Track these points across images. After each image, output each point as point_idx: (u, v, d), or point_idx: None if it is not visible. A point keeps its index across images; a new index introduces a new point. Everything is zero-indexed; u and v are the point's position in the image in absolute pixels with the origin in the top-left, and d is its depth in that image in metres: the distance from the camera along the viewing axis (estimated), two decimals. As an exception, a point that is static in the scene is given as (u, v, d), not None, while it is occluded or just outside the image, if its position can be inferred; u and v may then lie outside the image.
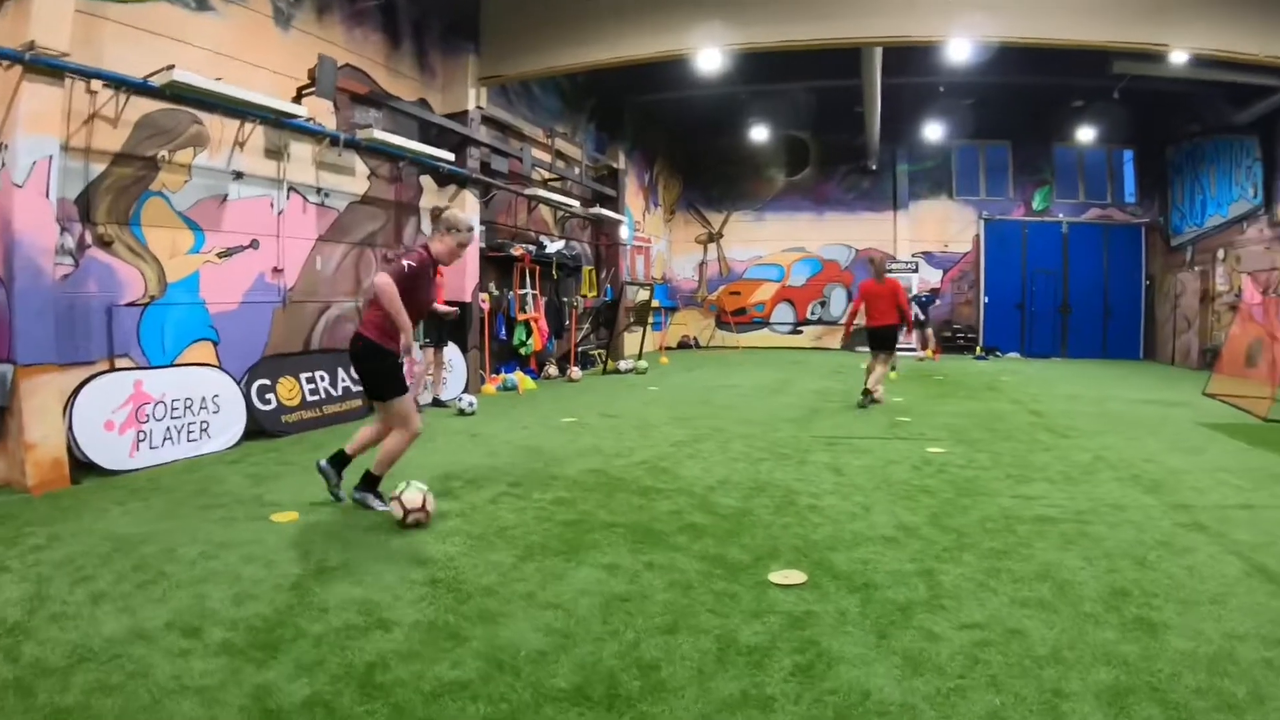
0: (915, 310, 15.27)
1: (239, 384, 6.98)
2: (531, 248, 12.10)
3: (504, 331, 11.65)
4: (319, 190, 8.21)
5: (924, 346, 17.84)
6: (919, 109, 17.25)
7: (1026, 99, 16.64)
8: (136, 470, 5.80)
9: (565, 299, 13.67)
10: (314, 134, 7.96)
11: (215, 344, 7.07)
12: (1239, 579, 3.62)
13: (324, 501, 4.90)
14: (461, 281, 10.07)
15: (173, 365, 6.60)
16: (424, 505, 4.40)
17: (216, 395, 6.66)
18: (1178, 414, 9.05)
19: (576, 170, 13.74)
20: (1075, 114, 16.98)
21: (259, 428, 7.04)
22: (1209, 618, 3.18)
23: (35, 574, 3.58)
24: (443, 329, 8.97)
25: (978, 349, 18.52)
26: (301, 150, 7.96)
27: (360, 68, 8.80)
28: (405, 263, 4.60)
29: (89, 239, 5.97)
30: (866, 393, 9.47)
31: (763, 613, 3.26)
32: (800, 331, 20.53)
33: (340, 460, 4.90)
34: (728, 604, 3.36)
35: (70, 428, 5.51)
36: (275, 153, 7.61)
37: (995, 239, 18.91)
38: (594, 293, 14.94)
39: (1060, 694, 2.56)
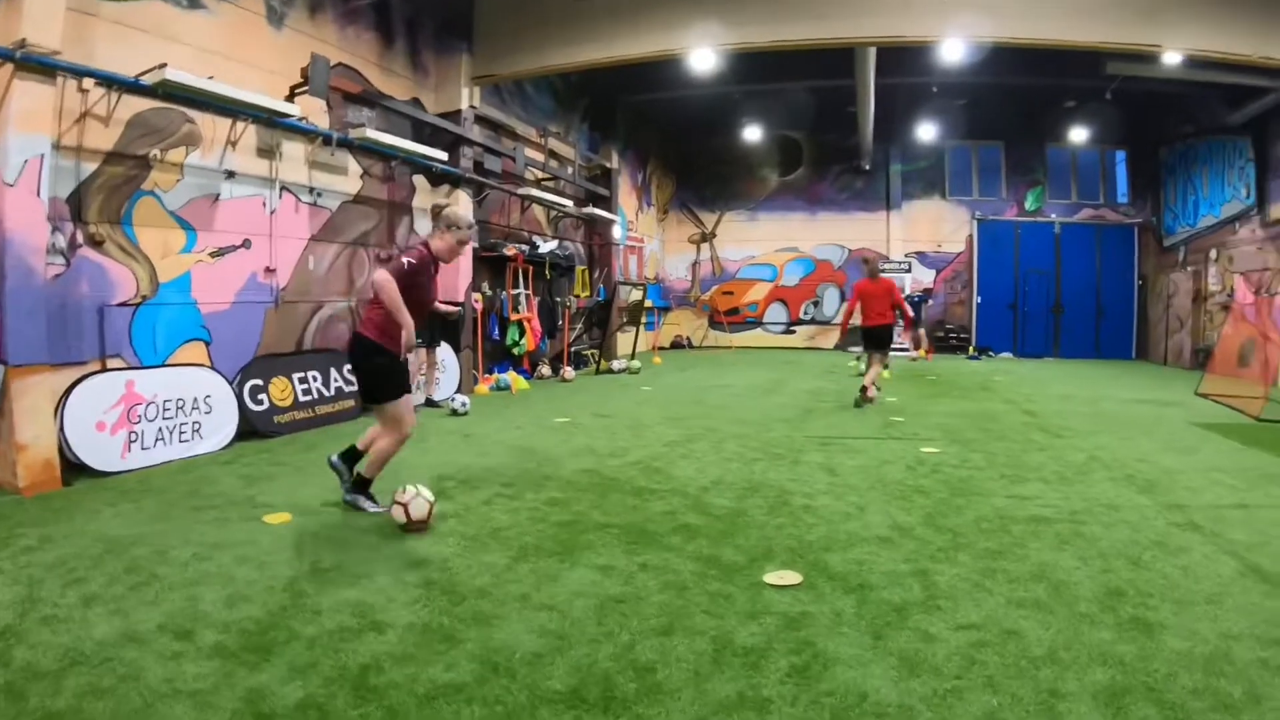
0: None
1: (231, 384, 6.94)
2: (525, 247, 12.07)
3: (497, 331, 11.63)
4: (311, 190, 8.18)
5: (917, 346, 17.87)
6: (912, 109, 17.28)
7: (1019, 99, 16.68)
8: (128, 471, 5.76)
9: (558, 299, 13.66)
10: (307, 133, 7.93)
11: (207, 344, 7.03)
12: (1234, 579, 3.63)
13: (317, 502, 4.88)
14: (455, 281, 10.04)
15: (165, 365, 6.56)
16: (428, 518, 4.34)
17: (209, 396, 6.62)
18: (1171, 414, 9.08)
19: (570, 170, 13.74)
20: (1068, 114, 17.06)
21: (251, 428, 7.00)
22: (1204, 617, 3.18)
23: (27, 576, 3.55)
24: (435, 329, 8.94)
25: (970, 349, 18.57)
26: (294, 149, 7.92)
27: (353, 66, 8.77)
28: (405, 259, 4.54)
29: (80, 238, 5.92)
30: (863, 390, 9.51)
31: (758, 614, 3.25)
32: (793, 331, 20.55)
33: (352, 456, 4.85)
34: (723, 605, 3.35)
35: (62, 428, 5.47)
36: (268, 152, 7.57)
37: (988, 239, 18.96)
38: (587, 293, 14.92)
39: (1057, 694, 2.56)
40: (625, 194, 17.12)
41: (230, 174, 7.16)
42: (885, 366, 11.54)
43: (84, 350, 5.94)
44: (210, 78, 6.55)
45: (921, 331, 18.08)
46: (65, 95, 5.67)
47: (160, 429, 6.15)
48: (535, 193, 12.26)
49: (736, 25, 9.38)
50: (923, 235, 19.49)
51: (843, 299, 19.85)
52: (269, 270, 7.63)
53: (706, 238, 21.06)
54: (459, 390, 9.73)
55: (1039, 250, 18.67)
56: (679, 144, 20.39)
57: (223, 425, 6.69)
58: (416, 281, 4.57)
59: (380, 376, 4.60)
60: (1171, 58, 9.70)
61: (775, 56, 11.19)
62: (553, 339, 13.48)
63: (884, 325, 9.68)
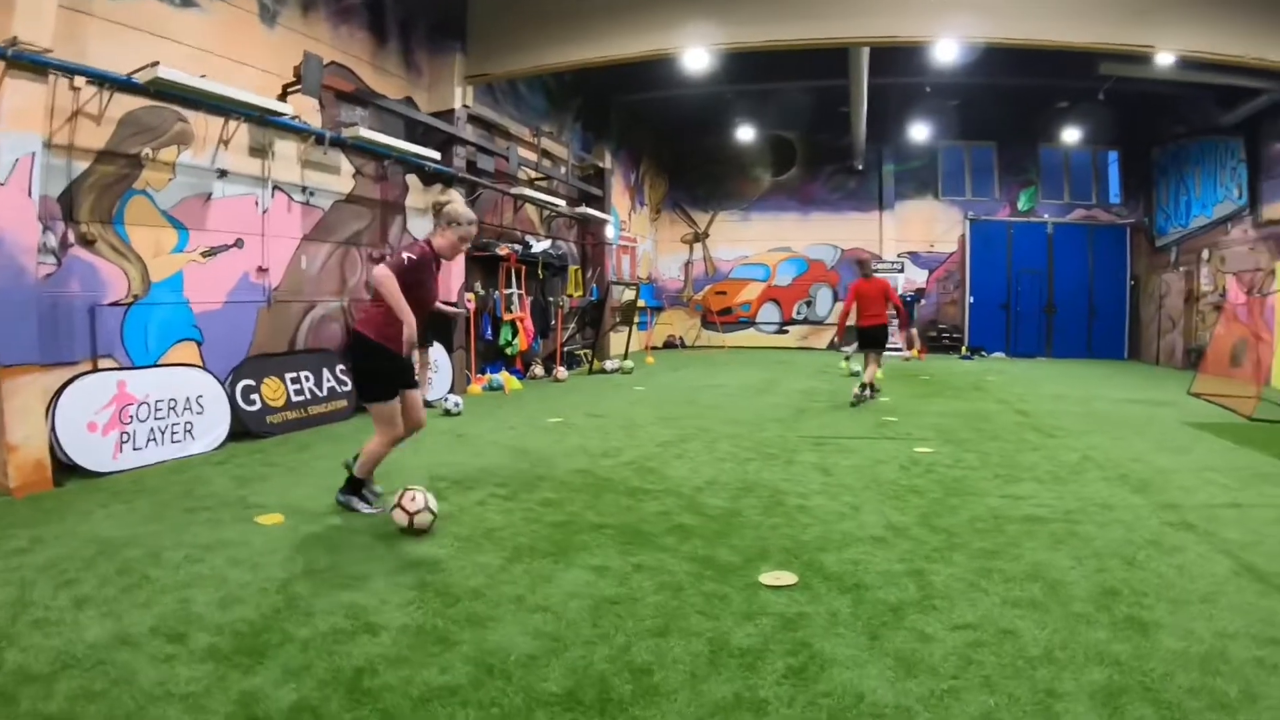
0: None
1: (223, 384, 6.90)
2: (517, 247, 12.04)
3: (490, 331, 11.59)
4: (304, 189, 8.14)
5: (909, 346, 17.86)
6: (905, 109, 17.31)
7: (1012, 100, 16.70)
8: (120, 472, 5.72)
9: (551, 298, 13.63)
10: (299, 132, 7.89)
11: (199, 344, 6.99)
12: (1228, 578, 3.64)
13: (310, 503, 4.85)
14: (448, 281, 10.01)
15: (156, 366, 6.52)
16: (429, 529, 4.27)
17: (201, 396, 6.59)
18: (1164, 413, 9.11)
19: (562, 169, 13.71)
20: (1061, 115, 17.08)
21: (244, 429, 6.96)
22: (1200, 617, 3.19)
23: (18, 578, 3.52)
24: (428, 328, 8.89)
25: (963, 349, 18.61)
26: (286, 148, 7.88)
27: (346, 65, 8.73)
28: (405, 255, 4.44)
29: (72, 238, 5.88)
30: (864, 386, 9.57)
31: (754, 614, 3.24)
32: (786, 331, 20.57)
33: None
34: (718, 606, 3.34)
35: (53, 429, 5.43)
36: (260, 151, 7.53)
37: (981, 239, 19.00)
38: (580, 292, 14.89)
39: (1054, 694, 2.56)
40: (618, 194, 17.10)
41: (222, 173, 7.12)
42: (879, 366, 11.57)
43: (75, 350, 5.90)
44: (203, 76, 6.51)
45: (914, 331, 18.10)
46: (57, 93, 5.63)
47: (152, 429, 6.12)
48: (528, 192, 12.23)
49: (730, 25, 9.36)
50: (915, 235, 19.53)
51: (835, 299, 19.90)
52: (261, 270, 7.59)
53: (699, 237, 21.06)
54: (452, 390, 9.70)
55: (1031, 250, 18.72)
56: (672, 144, 20.38)
57: (215, 425, 6.66)
58: (418, 279, 4.49)
59: (372, 376, 4.56)
60: (1164, 59, 9.71)
61: (769, 56, 11.18)
62: (545, 339, 13.46)
63: (880, 325, 9.73)
